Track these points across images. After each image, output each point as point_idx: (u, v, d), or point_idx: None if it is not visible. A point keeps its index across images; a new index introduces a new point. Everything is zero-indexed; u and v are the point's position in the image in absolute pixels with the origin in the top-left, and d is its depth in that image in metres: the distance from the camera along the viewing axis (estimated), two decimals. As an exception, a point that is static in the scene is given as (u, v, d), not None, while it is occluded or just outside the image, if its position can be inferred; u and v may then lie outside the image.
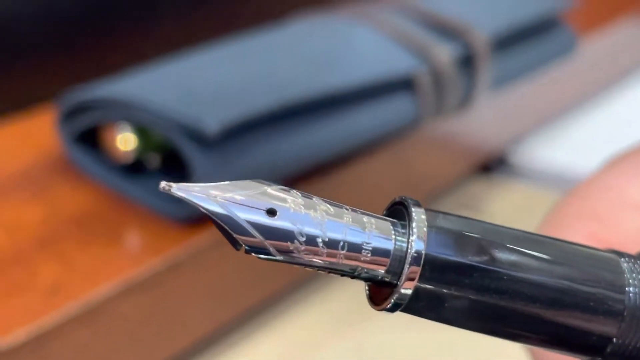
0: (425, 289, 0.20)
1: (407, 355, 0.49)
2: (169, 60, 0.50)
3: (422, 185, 0.59)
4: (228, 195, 0.20)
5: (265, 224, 0.20)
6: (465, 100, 0.56)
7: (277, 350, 0.48)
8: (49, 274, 0.40)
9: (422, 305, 0.21)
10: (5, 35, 0.56)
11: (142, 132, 0.46)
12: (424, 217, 0.21)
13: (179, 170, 0.45)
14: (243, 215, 0.20)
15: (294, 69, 0.49)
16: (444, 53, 0.54)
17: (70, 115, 0.47)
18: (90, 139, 0.48)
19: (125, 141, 0.46)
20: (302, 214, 0.20)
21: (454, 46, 0.55)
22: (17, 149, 0.50)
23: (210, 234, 0.44)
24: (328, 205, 0.21)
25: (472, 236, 0.21)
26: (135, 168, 0.47)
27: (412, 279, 0.20)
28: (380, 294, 0.21)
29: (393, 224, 0.21)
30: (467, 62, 0.56)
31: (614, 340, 0.22)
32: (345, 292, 0.52)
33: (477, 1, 0.62)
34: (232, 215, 0.20)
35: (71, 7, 0.59)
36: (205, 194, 0.20)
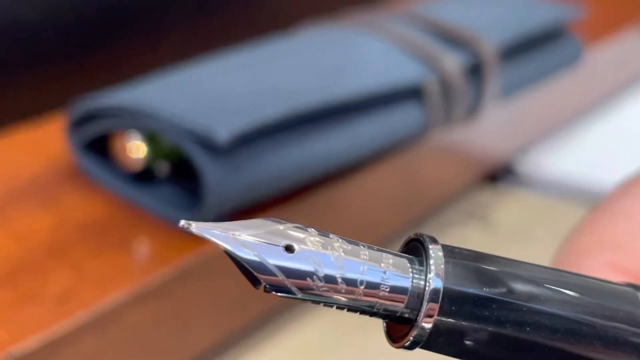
0: (445, 323, 0.21)
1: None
2: (179, 69, 0.50)
3: (429, 195, 0.59)
4: (248, 234, 0.20)
5: (287, 265, 0.20)
6: (473, 109, 0.57)
7: (285, 359, 0.48)
8: (59, 282, 0.40)
9: (441, 341, 0.21)
10: (15, 44, 0.56)
11: (151, 140, 0.46)
12: (440, 253, 0.21)
13: (188, 178, 0.45)
14: (267, 256, 0.20)
15: (303, 78, 0.49)
16: (453, 62, 0.54)
17: (79, 123, 0.47)
18: (99, 147, 0.48)
19: (134, 149, 0.46)
20: (321, 253, 0.20)
21: (462, 55, 0.55)
22: (27, 158, 0.50)
23: (220, 243, 0.43)
24: (345, 243, 0.21)
25: (489, 269, 0.21)
26: (144, 176, 0.47)
27: (430, 315, 0.21)
28: (399, 331, 0.22)
29: (410, 261, 0.21)
30: (475, 72, 0.56)
31: None
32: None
33: (484, 11, 0.62)
34: (259, 259, 0.20)
35: (81, 16, 0.59)
36: (226, 233, 0.20)
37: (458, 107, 0.54)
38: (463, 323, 0.21)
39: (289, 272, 0.20)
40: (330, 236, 0.21)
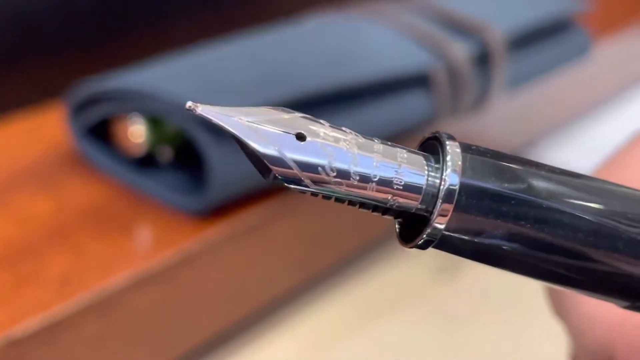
0: (460, 220, 0.20)
1: (419, 354, 0.48)
2: (184, 54, 0.49)
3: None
4: (260, 121, 0.19)
5: (302, 158, 0.19)
6: (481, 99, 0.56)
7: (290, 348, 0.47)
8: (60, 265, 0.39)
9: (456, 240, 0.20)
10: (17, 31, 0.56)
11: (154, 124, 0.45)
12: (458, 150, 0.20)
13: (191, 163, 0.45)
14: (284, 149, 0.19)
15: (309, 64, 0.48)
16: (460, 50, 0.53)
17: (81, 108, 0.47)
18: (101, 133, 0.47)
19: (137, 133, 0.45)
20: (333, 146, 0.19)
21: (470, 44, 0.54)
22: (29, 144, 0.50)
23: (224, 228, 0.43)
24: (359, 136, 0.20)
25: (508, 166, 0.20)
26: (147, 161, 0.46)
27: (444, 215, 0.20)
28: (411, 233, 0.21)
29: (426, 158, 0.20)
30: (483, 61, 0.55)
31: None
32: (360, 292, 0.51)
33: (493, 1, 0.62)
34: (278, 153, 0.19)
35: (82, 3, 0.58)
36: (238, 120, 0.19)
37: (465, 96, 0.54)
38: (480, 219, 0.20)
39: (302, 165, 0.19)
40: (343, 129, 0.20)
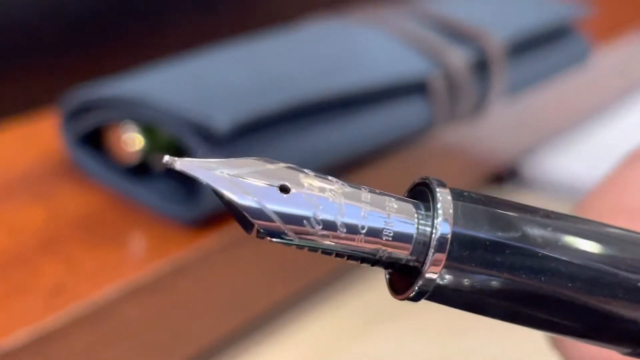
0: (453, 271, 0.19)
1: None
2: (178, 60, 0.49)
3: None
4: (241, 174, 0.18)
5: (285, 210, 0.18)
6: (479, 106, 0.55)
7: (287, 358, 0.46)
8: (51, 275, 0.39)
9: (449, 291, 0.19)
10: (10, 38, 0.55)
11: (148, 132, 0.44)
12: (449, 197, 0.19)
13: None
14: (265, 201, 0.18)
15: (305, 70, 0.48)
16: (458, 57, 0.53)
17: (74, 115, 0.46)
18: (94, 141, 0.47)
19: (131, 142, 0.44)
20: (319, 196, 0.19)
21: (468, 50, 0.54)
22: (21, 152, 0.49)
23: (218, 237, 0.42)
24: (345, 185, 0.19)
25: (502, 213, 0.20)
26: (140, 169, 0.45)
27: (437, 264, 0.19)
28: (403, 282, 0.20)
29: (416, 206, 0.20)
30: (481, 68, 0.54)
31: None
32: (358, 301, 0.51)
33: (491, 7, 0.61)
34: (258, 205, 0.18)
35: (76, 10, 0.58)
36: (217, 173, 0.19)
37: (464, 103, 0.53)
38: (473, 270, 0.19)
39: (286, 217, 0.18)
40: (329, 178, 0.19)
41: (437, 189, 0.19)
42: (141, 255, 0.42)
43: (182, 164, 0.18)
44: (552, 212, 0.21)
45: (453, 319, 0.50)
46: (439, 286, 0.19)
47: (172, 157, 0.18)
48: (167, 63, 0.48)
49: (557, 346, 0.29)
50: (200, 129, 0.41)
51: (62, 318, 0.36)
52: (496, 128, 0.61)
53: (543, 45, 0.61)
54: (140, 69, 0.48)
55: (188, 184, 0.44)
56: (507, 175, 0.65)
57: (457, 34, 0.55)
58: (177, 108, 0.42)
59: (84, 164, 0.46)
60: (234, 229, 0.43)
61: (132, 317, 0.39)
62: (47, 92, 0.52)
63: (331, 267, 0.51)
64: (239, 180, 0.18)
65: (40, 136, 0.50)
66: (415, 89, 0.51)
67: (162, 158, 0.45)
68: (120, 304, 0.39)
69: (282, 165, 0.19)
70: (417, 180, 0.20)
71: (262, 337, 0.47)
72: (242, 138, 0.42)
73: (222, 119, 0.41)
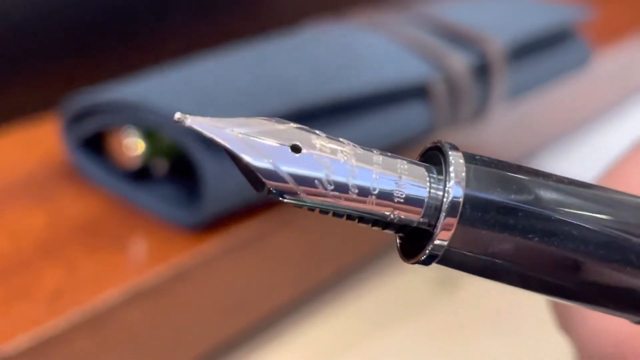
0: (465, 234, 0.19)
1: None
2: (179, 66, 0.48)
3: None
4: (253, 133, 0.18)
5: (298, 172, 0.18)
6: (480, 110, 0.55)
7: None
8: (52, 280, 0.39)
9: (460, 255, 0.19)
10: (11, 43, 0.55)
11: (149, 136, 0.44)
12: (461, 160, 0.19)
13: (186, 177, 0.44)
14: (279, 162, 0.18)
15: (306, 74, 0.48)
16: (459, 61, 0.53)
17: (75, 120, 0.46)
18: (95, 146, 0.46)
19: (132, 146, 0.44)
20: (331, 157, 0.19)
21: (469, 54, 0.54)
22: (22, 156, 0.49)
23: (220, 242, 0.42)
24: (357, 147, 0.19)
25: (515, 176, 0.20)
26: (141, 174, 0.45)
27: (448, 228, 0.19)
28: (413, 247, 0.20)
29: (428, 169, 0.19)
30: (482, 72, 0.54)
31: None
32: (360, 304, 0.51)
33: (491, 11, 0.61)
34: (272, 166, 0.18)
35: (77, 15, 0.58)
36: (230, 131, 0.18)
37: (465, 107, 0.53)
38: (485, 234, 0.19)
39: (298, 178, 0.18)
40: (341, 140, 0.19)
41: (450, 152, 0.19)
42: (142, 259, 0.42)
43: (192, 121, 0.18)
44: (566, 177, 0.20)
45: (458, 321, 0.50)
46: (450, 250, 0.19)
47: (183, 114, 0.18)
48: (168, 68, 0.48)
49: (564, 326, 0.29)
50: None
51: (63, 323, 0.36)
52: (497, 132, 0.61)
53: (544, 49, 0.61)
54: (142, 74, 0.48)
55: (189, 189, 0.44)
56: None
57: (457, 37, 0.55)
58: (179, 112, 0.42)
59: (85, 169, 0.46)
60: (235, 233, 0.43)
61: (133, 321, 0.39)
62: (48, 97, 0.52)
63: (332, 270, 0.51)
64: (250, 139, 0.18)
65: (42, 141, 0.50)
66: (416, 93, 0.51)
67: (163, 163, 0.45)
68: (122, 309, 0.38)
69: (292, 125, 0.19)
70: (429, 144, 0.20)
71: (264, 341, 0.47)
72: (243, 142, 0.42)
73: (223, 124, 0.41)
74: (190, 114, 0.41)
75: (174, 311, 0.41)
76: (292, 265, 0.48)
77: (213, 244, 0.42)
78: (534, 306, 0.33)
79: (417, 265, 0.20)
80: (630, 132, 0.73)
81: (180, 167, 0.45)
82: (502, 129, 0.61)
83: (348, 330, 0.49)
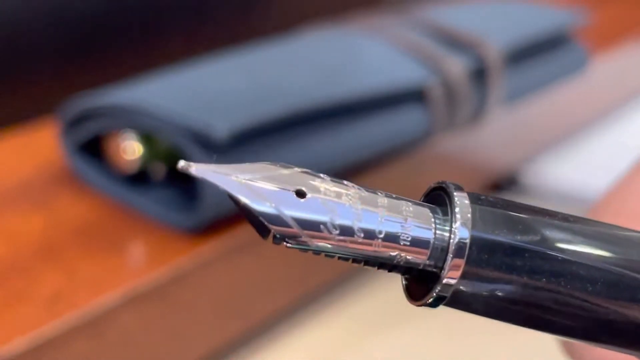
0: (472, 276, 0.19)
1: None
2: (177, 69, 0.49)
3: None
4: (257, 179, 0.18)
5: (302, 216, 0.18)
6: (477, 114, 0.55)
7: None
8: (50, 283, 0.39)
9: (468, 296, 0.19)
10: (9, 47, 0.55)
11: (147, 140, 0.44)
12: (467, 201, 0.19)
13: (184, 180, 0.44)
14: (283, 207, 0.18)
15: (304, 78, 0.48)
16: (456, 65, 0.53)
17: (73, 124, 0.46)
18: (93, 150, 0.47)
19: (130, 150, 0.45)
20: (335, 201, 0.19)
21: (466, 59, 0.54)
22: (20, 160, 0.49)
23: (218, 245, 0.42)
24: (361, 190, 0.19)
25: (520, 217, 0.20)
26: (139, 178, 0.45)
27: (456, 269, 0.19)
28: (419, 289, 0.20)
29: (433, 210, 0.19)
30: (480, 76, 0.55)
31: None
32: (359, 308, 0.51)
33: (489, 15, 0.61)
34: (276, 211, 0.18)
35: (75, 19, 0.58)
36: (234, 178, 0.18)
37: (462, 110, 0.53)
38: (493, 275, 0.19)
39: (303, 222, 0.18)
40: (345, 183, 0.19)
41: (455, 193, 0.19)
42: (140, 263, 0.42)
43: (197, 169, 0.18)
44: (571, 216, 0.20)
45: (458, 324, 0.50)
46: (457, 292, 0.19)
47: (188, 162, 0.18)
48: (166, 72, 0.48)
49: (570, 353, 0.29)
50: (199, 137, 0.41)
51: (61, 326, 0.36)
52: (494, 136, 0.61)
53: (541, 54, 0.61)
54: (139, 78, 0.48)
55: (187, 192, 0.44)
56: (505, 183, 0.65)
57: (455, 42, 0.55)
58: (176, 116, 0.42)
59: (83, 173, 0.46)
60: (233, 236, 0.43)
61: (131, 324, 0.39)
62: (46, 102, 0.53)
63: (332, 274, 0.51)
64: (254, 185, 0.18)
65: (40, 145, 0.50)
66: (414, 97, 0.51)
67: (161, 167, 0.45)
68: (119, 312, 0.38)
69: (296, 170, 0.19)
70: (433, 184, 0.20)
71: (263, 344, 0.47)
72: (241, 146, 0.42)
73: (221, 127, 0.41)
74: (181, 117, 0.41)
75: (171, 314, 0.41)
76: (290, 268, 0.48)
77: (211, 247, 0.42)
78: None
79: (427, 308, 0.20)
80: (628, 137, 0.73)
81: (177, 171, 0.45)
82: (499, 133, 0.61)
83: (346, 333, 0.49)
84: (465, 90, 0.53)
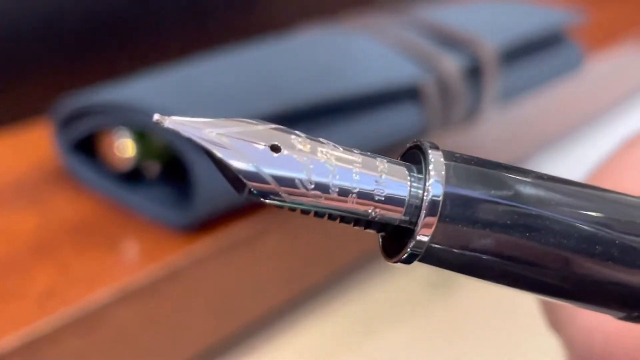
0: (446, 231, 0.19)
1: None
2: (172, 68, 0.49)
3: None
4: (232, 134, 0.18)
5: (279, 173, 0.18)
6: (472, 113, 0.55)
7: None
8: (43, 280, 0.39)
9: (441, 252, 0.19)
10: (2, 47, 0.55)
11: (141, 138, 0.44)
12: (441, 159, 0.19)
13: (178, 179, 0.44)
14: (261, 163, 0.18)
15: (299, 76, 0.48)
16: (451, 64, 0.53)
17: (67, 122, 0.46)
18: (87, 148, 0.47)
19: (124, 148, 0.44)
20: (311, 158, 0.19)
21: (461, 57, 0.54)
22: (14, 159, 0.49)
23: (211, 242, 0.42)
24: (336, 147, 0.19)
25: (494, 172, 0.20)
26: (133, 175, 0.45)
27: (429, 226, 0.19)
28: (395, 247, 0.20)
29: (408, 168, 0.20)
30: (474, 74, 0.55)
31: None
32: (351, 308, 0.51)
33: (484, 14, 0.61)
34: (255, 168, 0.18)
35: (69, 20, 0.58)
36: (209, 133, 0.18)
37: (457, 109, 0.53)
38: (466, 230, 0.19)
39: (279, 179, 0.18)
40: (321, 140, 0.19)
41: (430, 151, 0.19)
42: (134, 260, 0.42)
43: (171, 122, 0.18)
44: (545, 174, 0.20)
45: (451, 323, 0.50)
46: (431, 247, 0.19)
47: (162, 115, 0.18)
48: (160, 70, 0.48)
49: (553, 325, 0.29)
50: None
51: (54, 322, 0.36)
52: (489, 135, 0.61)
53: (536, 52, 0.61)
54: (133, 76, 0.48)
55: (181, 190, 0.44)
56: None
57: (450, 40, 0.55)
58: (169, 113, 0.42)
59: (77, 171, 0.46)
60: (227, 234, 0.43)
61: (124, 322, 0.39)
62: (40, 100, 0.52)
63: (327, 273, 0.51)
64: (230, 140, 0.18)
65: (34, 143, 0.50)
66: (408, 95, 0.51)
67: (155, 165, 0.45)
68: (113, 309, 0.38)
69: (271, 125, 0.19)
70: (410, 143, 0.20)
71: (257, 342, 0.47)
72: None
73: (214, 125, 0.41)
74: (175, 114, 0.41)
75: (165, 312, 0.41)
76: (285, 266, 0.48)
77: (205, 245, 0.42)
78: (527, 307, 0.33)
79: (401, 265, 0.20)
80: (623, 135, 0.73)
81: (171, 169, 0.45)
82: (494, 132, 0.61)
83: (341, 331, 0.49)
84: (460, 88, 0.53)
